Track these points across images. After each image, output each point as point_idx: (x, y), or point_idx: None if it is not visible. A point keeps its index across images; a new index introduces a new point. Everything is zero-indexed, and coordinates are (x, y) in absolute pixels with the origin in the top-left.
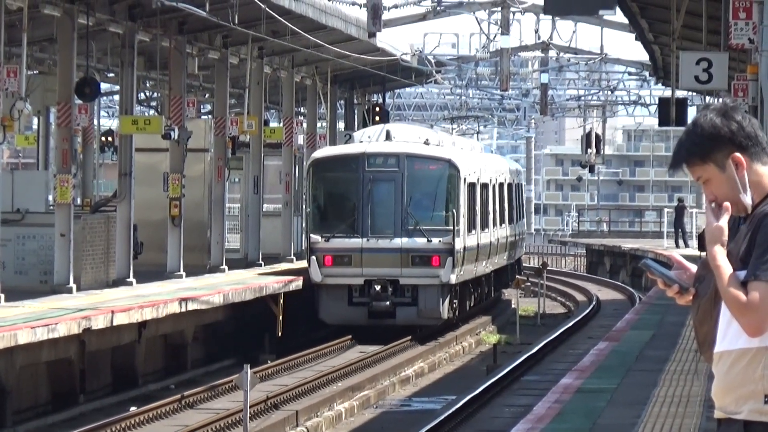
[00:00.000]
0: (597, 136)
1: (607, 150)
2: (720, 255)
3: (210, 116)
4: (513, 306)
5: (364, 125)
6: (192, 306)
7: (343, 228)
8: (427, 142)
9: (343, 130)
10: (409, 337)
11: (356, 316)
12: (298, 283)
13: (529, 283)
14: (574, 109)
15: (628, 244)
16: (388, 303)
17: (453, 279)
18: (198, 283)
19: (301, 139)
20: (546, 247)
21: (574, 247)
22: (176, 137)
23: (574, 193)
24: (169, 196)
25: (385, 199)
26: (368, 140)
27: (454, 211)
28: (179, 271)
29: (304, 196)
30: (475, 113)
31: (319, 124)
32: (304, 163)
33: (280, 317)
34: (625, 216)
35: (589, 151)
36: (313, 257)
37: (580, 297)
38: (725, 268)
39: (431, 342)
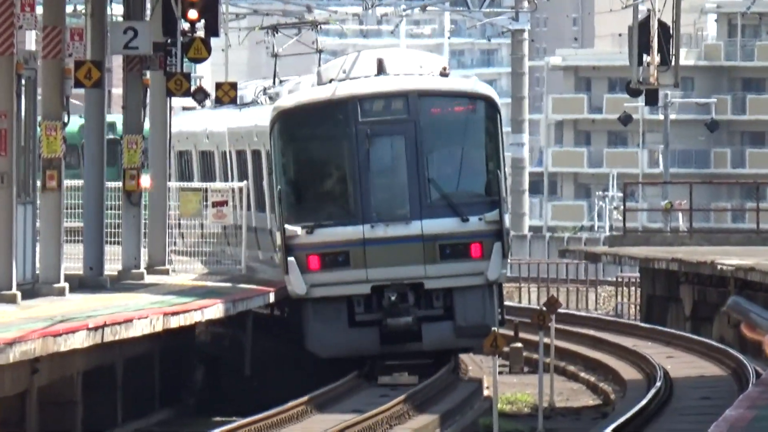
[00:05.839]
0: (663, 26)
1: (686, 58)
2: None
3: None
4: (486, 393)
5: (167, 11)
6: None
7: (332, 212)
8: (444, 73)
9: (123, 20)
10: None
11: (363, 341)
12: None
13: (519, 345)
14: None
15: (731, 258)
16: (409, 318)
17: (503, 275)
18: None
19: (30, 40)
20: (555, 266)
21: (613, 266)
22: None
23: (613, 151)
24: None
25: (393, 162)
26: (343, 75)
27: (498, 172)
28: None
29: (270, 169)
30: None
31: (70, 8)
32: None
33: None
34: (724, 197)
35: (647, 60)
36: (291, 258)
37: (628, 372)
38: None
39: None
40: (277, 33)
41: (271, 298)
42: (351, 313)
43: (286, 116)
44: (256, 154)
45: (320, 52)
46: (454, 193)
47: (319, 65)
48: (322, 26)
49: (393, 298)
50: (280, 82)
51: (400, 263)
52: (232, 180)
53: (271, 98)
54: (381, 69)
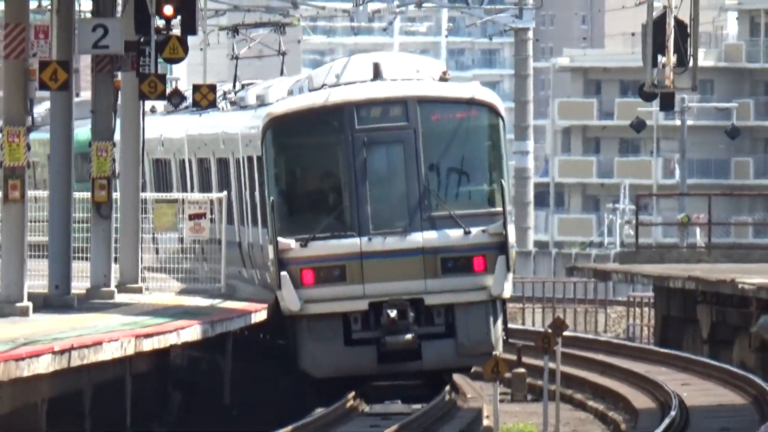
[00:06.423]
0: (679, 25)
1: (705, 59)
2: None
3: None
4: (485, 422)
5: (140, 6)
6: None
7: (328, 224)
8: (444, 78)
9: (91, 16)
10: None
11: (359, 360)
12: None
13: (522, 370)
14: None
15: (752, 276)
16: (409, 336)
17: (507, 290)
18: None
19: None
20: (561, 285)
21: (625, 285)
22: None
23: (625, 160)
24: None
25: (391, 172)
26: (336, 80)
27: (502, 182)
28: None
29: (262, 179)
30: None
31: (34, 4)
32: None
33: None
34: (746, 210)
35: (662, 61)
36: (285, 273)
37: (640, 400)
38: None
39: None
40: (237, 34)
41: (256, 318)
42: (347, 330)
43: (278, 123)
44: (222, 162)
45: (284, 54)
46: (456, 204)
47: (282, 69)
48: (312, 24)
49: (392, 314)
50: (243, 86)
51: (399, 278)
52: (192, 190)
53: (233, 103)
54: (377, 74)
